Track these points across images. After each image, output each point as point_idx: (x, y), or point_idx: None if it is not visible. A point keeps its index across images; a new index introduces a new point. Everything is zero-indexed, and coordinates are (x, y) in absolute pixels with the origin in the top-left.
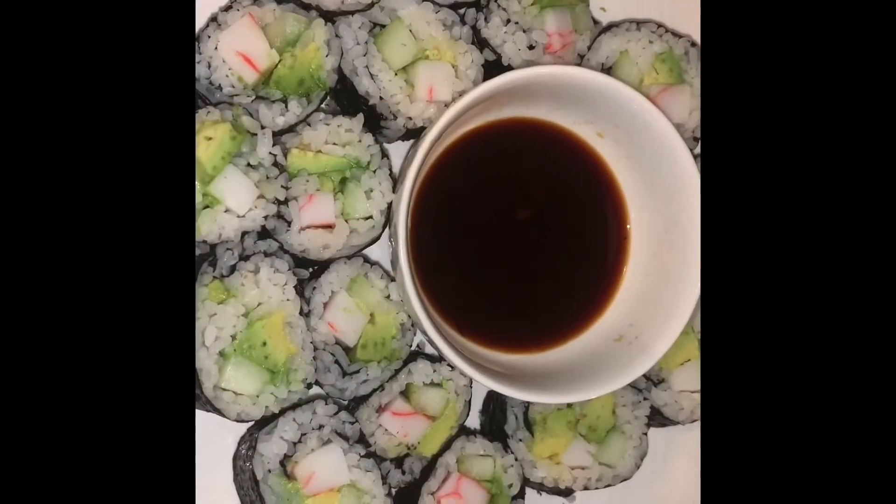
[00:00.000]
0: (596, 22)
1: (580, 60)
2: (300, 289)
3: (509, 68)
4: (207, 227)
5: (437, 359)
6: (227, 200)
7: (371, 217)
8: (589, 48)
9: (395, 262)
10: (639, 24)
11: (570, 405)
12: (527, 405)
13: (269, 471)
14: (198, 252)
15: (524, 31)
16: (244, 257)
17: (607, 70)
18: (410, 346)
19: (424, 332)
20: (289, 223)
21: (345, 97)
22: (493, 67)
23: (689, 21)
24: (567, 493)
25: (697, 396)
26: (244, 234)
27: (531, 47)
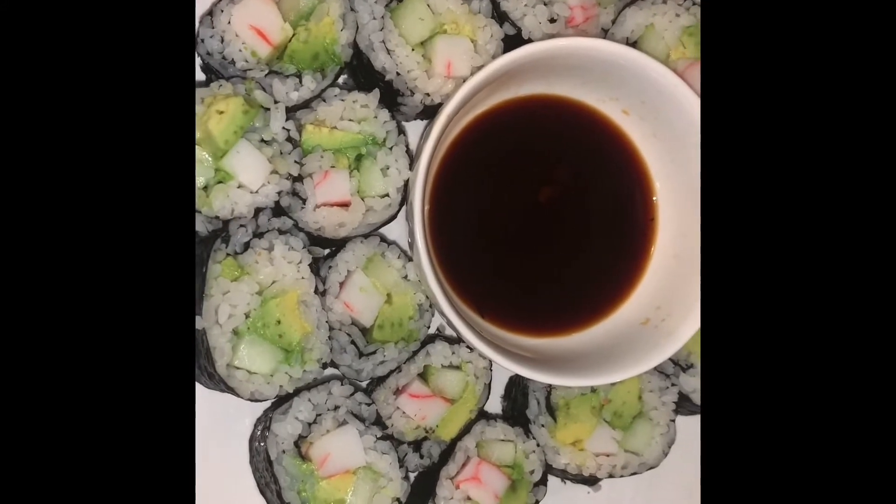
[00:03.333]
0: None
1: (604, 34)
2: (315, 267)
3: (530, 42)
4: (220, 202)
5: (456, 340)
6: (240, 175)
7: (387, 195)
8: (613, 22)
9: (412, 241)
10: None
11: (594, 390)
12: (549, 389)
13: (284, 451)
14: (210, 228)
15: (545, 4)
16: (258, 234)
17: (632, 44)
18: (428, 327)
19: (442, 313)
20: (304, 200)
21: (361, 73)
22: (514, 42)
23: None
24: (592, 481)
25: None
26: (258, 210)
27: (552, 20)
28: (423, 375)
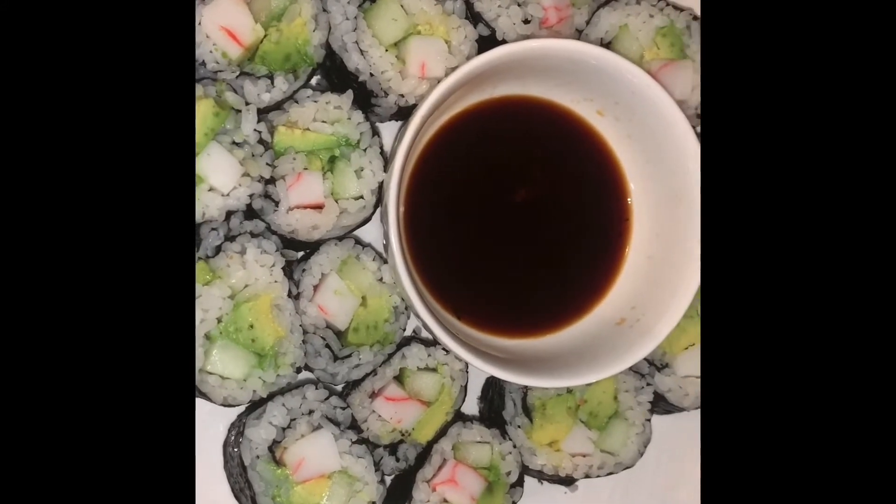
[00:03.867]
0: None
1: (578, 35)
2: (289, 271)
3: (504, 43)
4: None
5: (432, 343)
6: (211, 178)
7: (362, 197)
8: (587, 22)
9: (387, 243)
10: None
11: (570, 390)
12: (525, 391)
13: (258, 457)
14: None
15: (519, 5)
16: (230, 238)
17: (607, 45)
18: (404, 329)
19: (418, 316)
20: (276, 203)
21: (334, 74)
22: (488, 43)
23: None
24: (568, 481)
25: None
26: (230, 213)
27: (527, 21)
28: (399, 378)
